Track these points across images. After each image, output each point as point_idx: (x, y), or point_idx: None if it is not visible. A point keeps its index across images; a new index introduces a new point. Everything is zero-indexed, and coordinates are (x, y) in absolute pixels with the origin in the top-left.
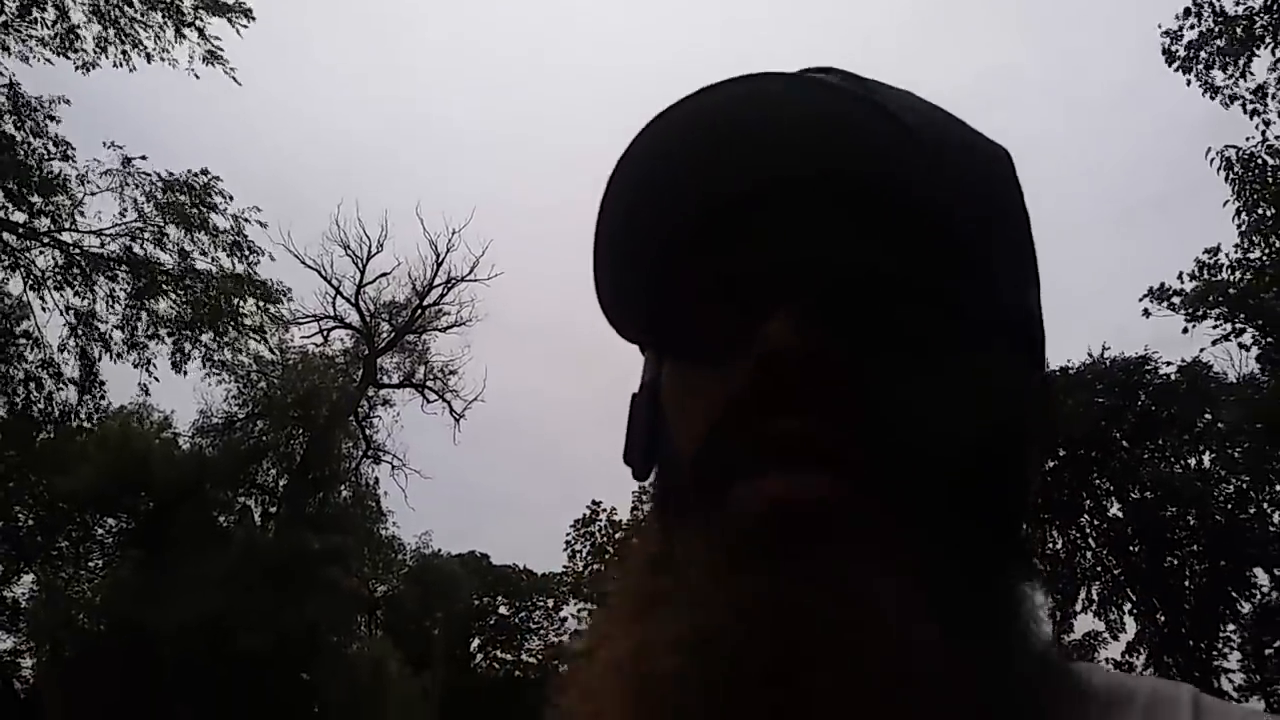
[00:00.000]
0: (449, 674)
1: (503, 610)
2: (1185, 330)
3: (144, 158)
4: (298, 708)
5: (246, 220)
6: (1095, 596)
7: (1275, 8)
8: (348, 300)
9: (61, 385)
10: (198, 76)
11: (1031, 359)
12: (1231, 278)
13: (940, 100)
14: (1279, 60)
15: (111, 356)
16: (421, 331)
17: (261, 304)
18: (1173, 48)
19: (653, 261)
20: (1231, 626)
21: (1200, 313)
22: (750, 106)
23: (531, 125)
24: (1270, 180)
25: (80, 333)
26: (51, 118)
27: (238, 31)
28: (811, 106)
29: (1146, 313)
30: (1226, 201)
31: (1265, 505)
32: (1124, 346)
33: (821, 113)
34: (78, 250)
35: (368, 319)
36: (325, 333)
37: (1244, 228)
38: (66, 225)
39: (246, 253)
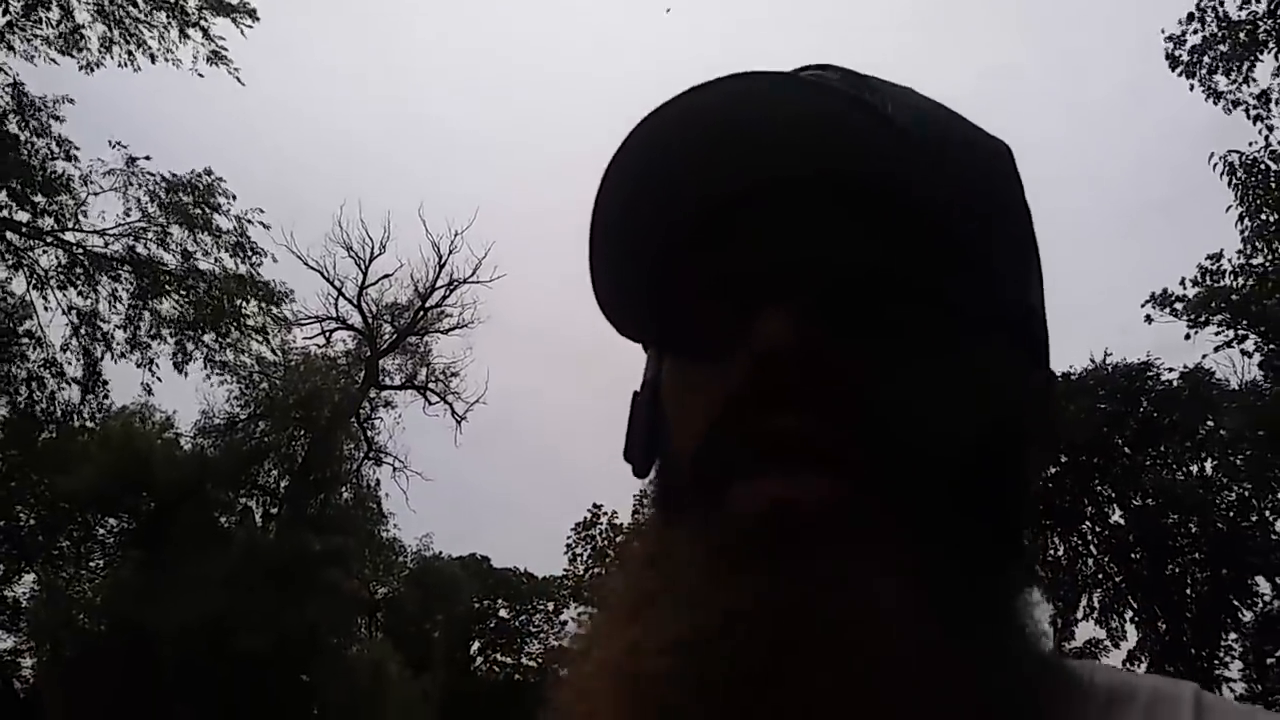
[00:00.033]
0: (449, 677)
1: (503, 613)
2: (1188, 336)
3: (148, 158)
4: (297, 709)
5: (249, 221)
6: (1096, 604)
7: (1279, 13)
8: (350, 301)
9: (64, 385)
10: (201, 76)
11: (1033, 356)
12: (1234, 284)
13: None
14: None
15: (113, 356)
16: (424, 333)
17: (264, 305)
18: (1176, 52)
19: (650, 258)
20: (1233, 635)
21: (1203, 319)
22: (744, 105)
23: (535, 127)
24: (1273, 186)
25: (83, 332)
26: (56, 117)
27: (242, 32)
28: (804, 106)
29: (1149, 318)
30: (1229, 207)
31: (1267, 513)
32: (1126, 352)
33: (814, 112)
34: (81, 250)
35: (370, 320)
36: (327, 334)
37: (1247, 233)
38: (70, 225)
39: (249, 253)
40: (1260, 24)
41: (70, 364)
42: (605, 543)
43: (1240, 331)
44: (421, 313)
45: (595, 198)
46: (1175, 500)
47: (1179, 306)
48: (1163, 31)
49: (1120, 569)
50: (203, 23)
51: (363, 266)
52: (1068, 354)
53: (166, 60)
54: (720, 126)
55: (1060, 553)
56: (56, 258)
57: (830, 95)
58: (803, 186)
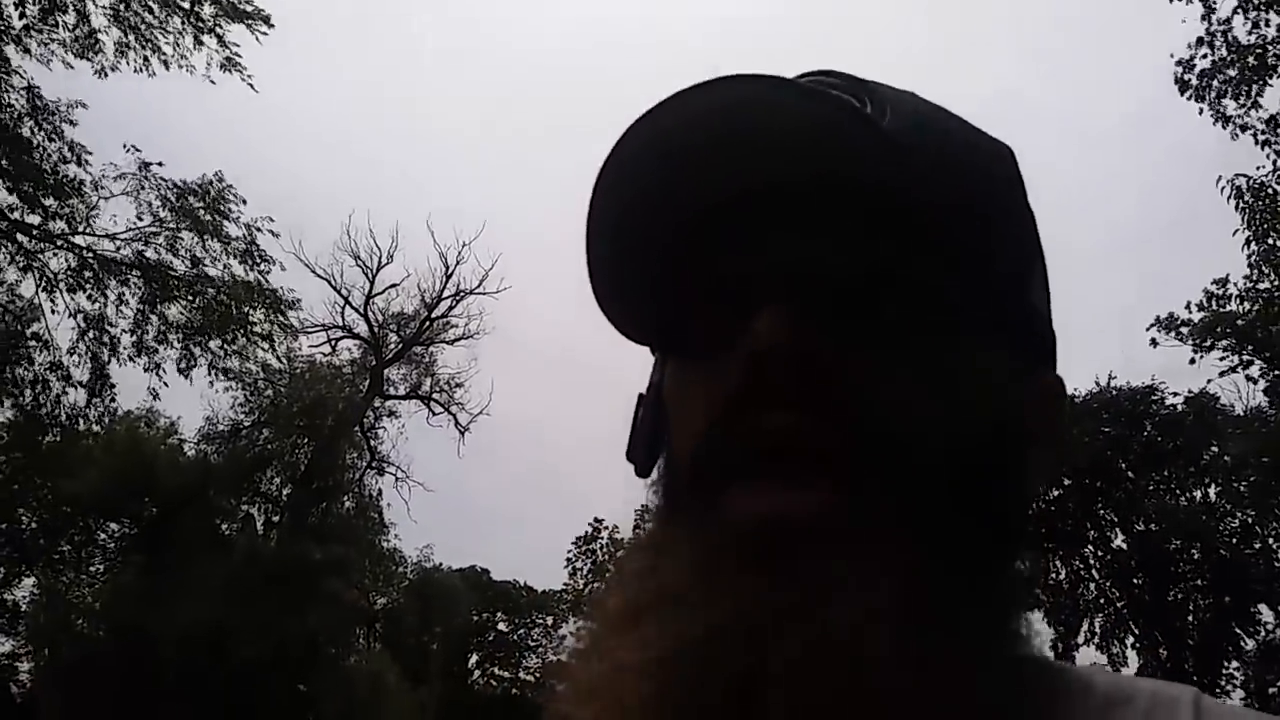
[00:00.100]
0: (446, 690)
1: (502, 626)
2: (1193, 361)
3: (160, 164)
4: (295, 718)
5: (259, 229)
6: (1097, 629)
7: None
8: (356, 310)
9: (70, 388)
10: (213, 82)
11: (1036, 358)
12: (1240, 308)
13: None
14: None
15: (120, 360)
16: (429, 343)
17: (271, 312)
18: (1185, 76)
19: (649, 259)
20: (1235, 663)
21: (1208, 343)
22: (742, 110)
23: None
24: None
25: (90, 336)
26: (69, 121)
27: (256, 38)
28: (800, 111)
29: (1154, 342)
30: (1236, 231)
31: (1271, 540)
32: (1131, 376)
33: (810, 117)
34: (90, 253)
35: (376, 330)
36: (333, 342)
37: (1253, 258)
38: (81, 229)
39: (258, 260)
40: (1269, 48)
41: (77, 367)
42: (606, 557)
43: (1245, 357)
44: (427, 323)
45: (591, 196)
46: (1178, 525)
47: (1184, 330)
48: (1172, 55)
49: (1122, 594)
50: (218, 29)
51: (370, 276)
52: (1072, 377)
53: (180, 66)
54: (719, 130)
55: (1062, 576)
56: (66, 260)
57: (825, 101)
58: (800, 190)
